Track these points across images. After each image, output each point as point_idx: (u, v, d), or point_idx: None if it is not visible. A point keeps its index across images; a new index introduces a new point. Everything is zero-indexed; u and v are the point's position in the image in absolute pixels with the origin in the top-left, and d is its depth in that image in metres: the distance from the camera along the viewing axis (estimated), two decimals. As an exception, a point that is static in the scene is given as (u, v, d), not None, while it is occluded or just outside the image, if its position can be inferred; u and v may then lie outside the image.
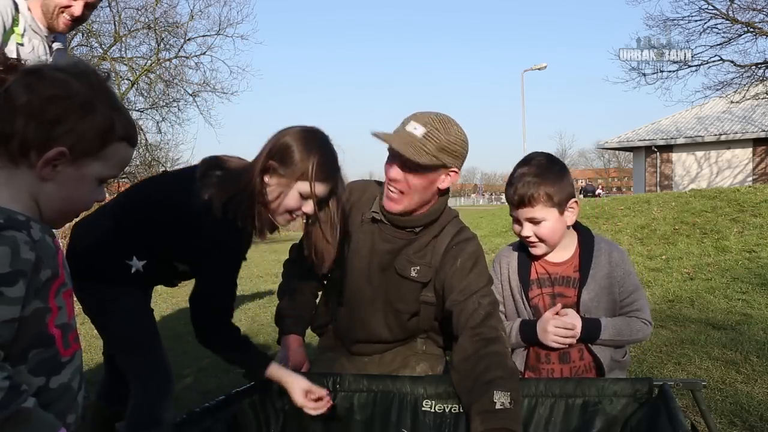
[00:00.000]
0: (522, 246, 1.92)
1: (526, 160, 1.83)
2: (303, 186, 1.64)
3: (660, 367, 3.61)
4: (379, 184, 1.97)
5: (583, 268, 1.83)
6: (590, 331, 1.78)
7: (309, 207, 1.69)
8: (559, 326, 1.78)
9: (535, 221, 1.78)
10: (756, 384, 3.26)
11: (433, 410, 1.74)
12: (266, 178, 1.65)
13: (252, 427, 1.73)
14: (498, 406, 1.52)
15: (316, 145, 1.68)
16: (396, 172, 1.75)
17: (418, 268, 1.85)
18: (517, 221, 1.83)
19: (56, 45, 2.47)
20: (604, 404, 1.66)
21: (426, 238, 1.87)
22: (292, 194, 1.66)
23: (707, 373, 3.46)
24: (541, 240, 1.80)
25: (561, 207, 1.78)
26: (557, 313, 1.81)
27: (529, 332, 1.84)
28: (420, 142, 1.71)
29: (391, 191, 1.79)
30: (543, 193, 1.74)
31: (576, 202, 1.83)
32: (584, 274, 1.82)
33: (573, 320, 1.79)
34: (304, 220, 1.75)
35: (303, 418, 1.76)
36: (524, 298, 1.87)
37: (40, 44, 2.37)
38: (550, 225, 1.78)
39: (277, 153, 1.66)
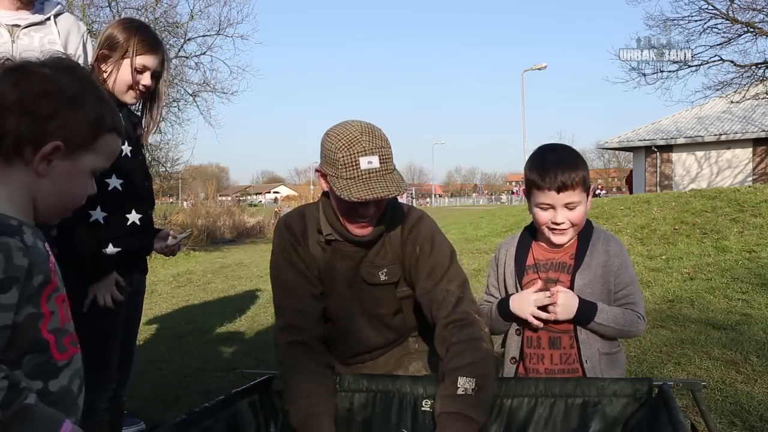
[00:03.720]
0: (527, 233, 1.95)
1: (552, 148, 1.87)
2: (135, 60, 2.03)
3: (660, 367, 3.61)
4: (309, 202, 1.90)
5: (579, 254, 1.85)
6: (586, 311, 1.78)
7: (146, 79, 2.08)
8: (540, 291, 1.80)
9: (572, 206, 1.79)
10: (756, 384, 3.26)
11: (432, 410, 1.74)
12: (102, 66, 2.05)
13: (251, 427, 1.73)
14: (459, 392, 1.54)
15: (135, 26, 2.10)
16: (373, 209, 1.69)
17: (385, 270, 1.80)
18: (550, 207, 1.81)
19: (29, 20, 2.24)
20: (603, 404, 1.66)
21: (379, 239, 1.81)
22: (124, 70, 2.03)
23: (707, 373, 3.46)
24: (572, 225, 1.82)
25: (588, 192, 1.83)
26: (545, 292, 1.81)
27: (504, 307, 1.86)
28: (388, 173, 1.62)
29: (364, 221, 1.71)
30: (581, 177, 1.78)
31: (593, 187, 1.87)
32: (579, 260, 1.84)
33: (567, 297, 1.78)
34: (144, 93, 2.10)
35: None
36: (518, 282, 1.89)
37: None
38: (583, 209, 1.81)
39: (105, 42, 2.06)
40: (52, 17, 2.34)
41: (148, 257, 2.35)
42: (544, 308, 1.80)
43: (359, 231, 1.72)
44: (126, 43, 2.03)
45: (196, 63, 15.70)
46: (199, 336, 5.09)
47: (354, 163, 1.59)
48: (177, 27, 15.12)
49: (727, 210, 9.09)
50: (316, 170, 1.71)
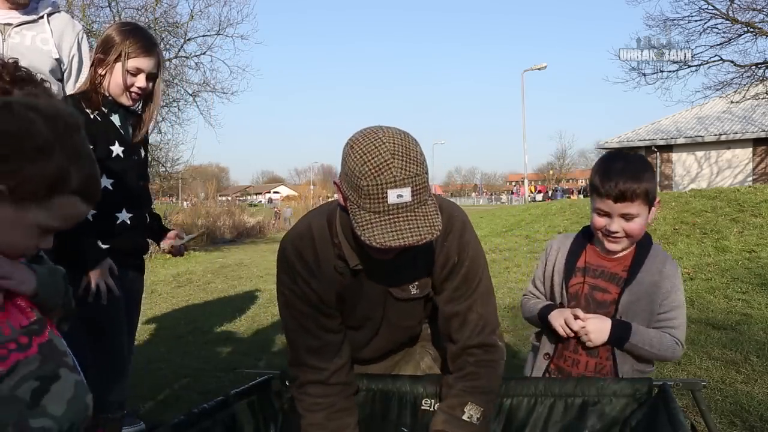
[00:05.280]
0: (584, 234, 1.93)
1: (620, 156, 1.82)
2: (128, 63, 2.07)
3: (660, 367, 3.60)
4: (318, 220, 1.60)
5: (633, 269, 1.82)
6: (620, 333, 1.77)
7: (141, 81, 2.10)
8: (576, 317, 1.78)
9: (629, 217, 1.76)
10: (756, 384, 3.26)
11: (432, 409, 1.73)
12: (99, 70, 2.09)
13: (251, 428, 1.73)
14: (465, 417, 1.53)
15: (130, 29, 2.13)
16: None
17: (416, 283, 1.61)
18: (606, 215, 1.78)
19: (21, 19, 2.28)
20: (603, 404, 1.66)
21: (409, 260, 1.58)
22: (117, 73, 2.07)
23: (707, 373, 3.46)
24: (628, 235, 1.79)
25: (651, 205, 1.79)
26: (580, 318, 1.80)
27: (545, 313, 1.86)
28: (420, 206, 1.34)
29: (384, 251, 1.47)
30: (644, 189, 1.73)
31: (659, 201, 1.83)
32: (632, 275, 1.81)
33: (597, 323, 1.77)
34: (141, 96, 2.15)
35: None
36: (564, 283, 1.87)
37: None
38: (641, 222, 1.77)
39: (100, 46, 2.09)
40: (45, 16, 2.36)
41: (146, 257, 2.36)
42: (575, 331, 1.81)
43: (381, 256, 1.49)
44: (120, 47, 2.06)
45: (196, 63, 15.72)
46: (199, 336, 5.09)
47: (380, 196, 1.30)
48: (177, 27, 15.11)
49: (727, 210, 9.09)
50: (335, 182, 1.45)
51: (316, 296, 1.57)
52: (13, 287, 1.07)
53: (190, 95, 15.94)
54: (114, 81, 2.08)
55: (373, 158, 1.31)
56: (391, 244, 1.30)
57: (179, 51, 15.43)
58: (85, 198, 1.10)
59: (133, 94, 2.12)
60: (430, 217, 1.34)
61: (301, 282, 1.56)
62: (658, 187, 1.85)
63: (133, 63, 2.08)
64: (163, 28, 14.71)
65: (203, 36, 15.65)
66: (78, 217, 1.12)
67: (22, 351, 1.03)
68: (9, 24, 2.26)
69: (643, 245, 1.85)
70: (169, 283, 8.52)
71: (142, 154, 2.28)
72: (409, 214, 1.32)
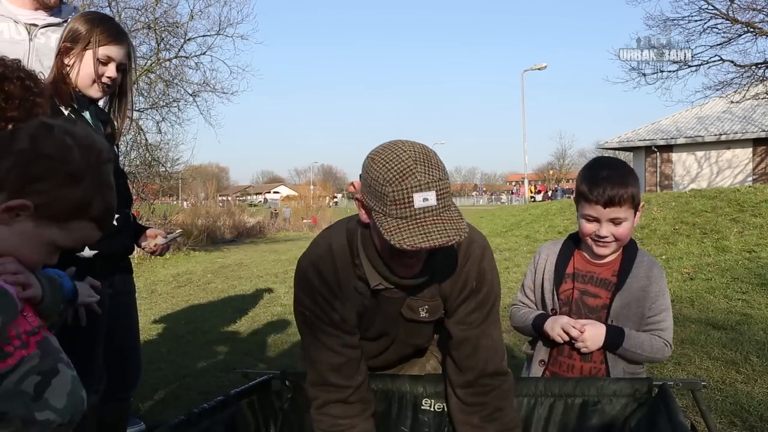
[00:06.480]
0: (571, 241, 1.96)
1: (605, 163, 1.87)
2: (98, 51, 1.97)
3: (660, 367, 3.60)
4: (340, 239, 1.60)
5: (622, 274, 1.85)
6: (614, 338, 1.80)
7: (111, 71, 2.01)
8: (571, 324, 1.80)
9: (618, 221, 1.80)
10: (756, 384, 3.26)
11: (432, 409, 1.74)
12: (65, 60, 1.98)
13: (251, 428, 1.73)
14: None
15: (98, 17, 2.05)
16: (421, 254, 1.47)
17: (426, 306, 1.62)
18: (595, 220, 1.82)
19: (46, 20, 2.31)
20: (603, 404, 1.66)
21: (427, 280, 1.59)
22: (87, 62, 1.97)
23: (707, 373, 3.46)
24: (616, 239, 1.83)
25: (636, 208, 1.83)
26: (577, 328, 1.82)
27: (538, 325, 1.89)
28: (445, 210, 1.35)
29: (412, 260, 1.49)
30: (630, 193, 1.78)
31: (643, 205, 1.88)
32: (621, 280, 1.84)
33: (593, 329, 1.80)
34: (111, 87, 2.05)
35: (302, 418, 1.76)
36: (555, 289, 1.91)
37: (10, 28, 2.27)
38: (629, 225, 1.82)
39: (68, 35, 1.99)
40: (69, 20, 2.36)
41: (145, 257, 2.34)
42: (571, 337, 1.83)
43: (405, 271, 1.51)
44: (88, 34, 1.97)
45: (196, 63, 15.67)
46: (199, 336, 5.09)
47: (406, 201, 1.32)
48: (177, 27, 15.09)
49: (727, 210, 9.09)
50: (356, 198, 1.46)
51: (339, 316, 1.57)
52: (31, 294, 1.14)
53: (190, 95, 15.91)
54: (83, 70, 1.98)
55: (395, 165, 1.33)
56: (421, 245, 1.30)
57: (179, 51, 15.40)
58: (99, 226, 1.18)
59: (103, 84, 2.02)
60: (455, 221, 1.35)
61: (323, 302, 1.56)
62: (641, 191, 1.88)
63: (103, 51, 1.98)
64: (163, 28, 14.70)
65: (203, 36, 15.62)
66: (89, 241, 1.21)
67: (24, 348, 1.09)
68: (35, 24, 2.29)
69: (629, 249, 1.90)
70: (169, 283, 8.52)
71: (115, 149, 2.21)
72: (435, 218, 1.33)
